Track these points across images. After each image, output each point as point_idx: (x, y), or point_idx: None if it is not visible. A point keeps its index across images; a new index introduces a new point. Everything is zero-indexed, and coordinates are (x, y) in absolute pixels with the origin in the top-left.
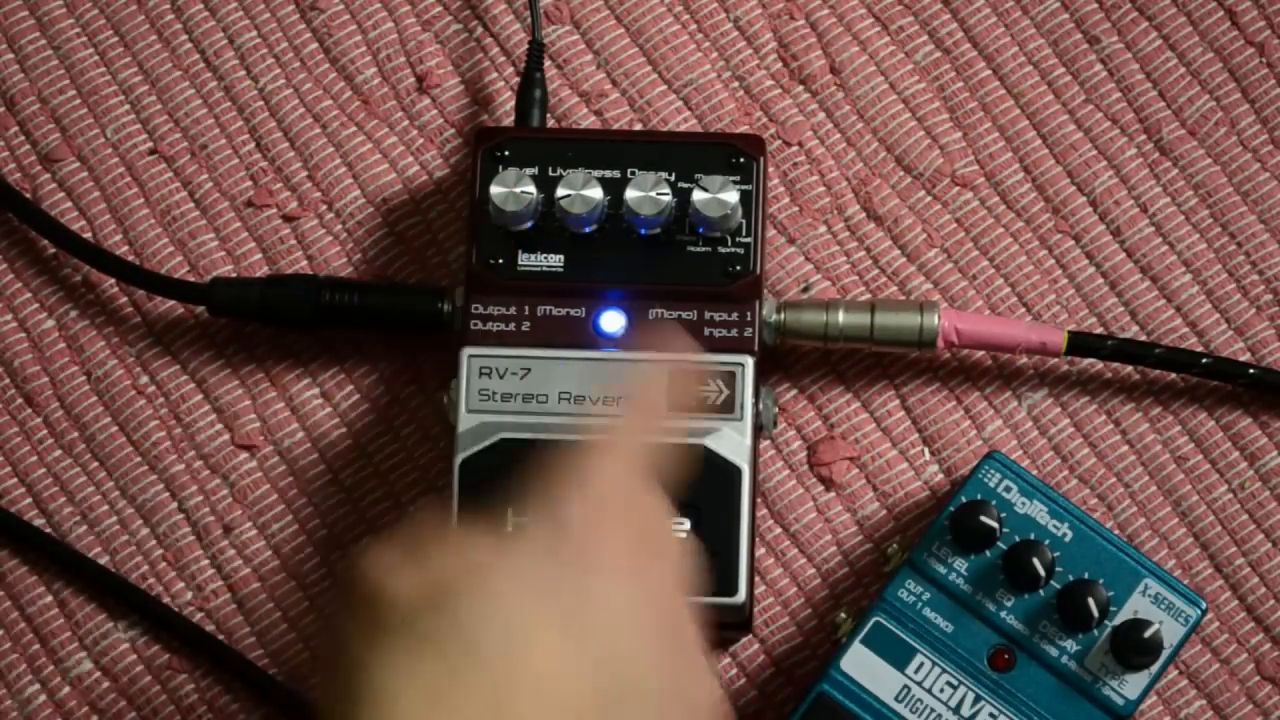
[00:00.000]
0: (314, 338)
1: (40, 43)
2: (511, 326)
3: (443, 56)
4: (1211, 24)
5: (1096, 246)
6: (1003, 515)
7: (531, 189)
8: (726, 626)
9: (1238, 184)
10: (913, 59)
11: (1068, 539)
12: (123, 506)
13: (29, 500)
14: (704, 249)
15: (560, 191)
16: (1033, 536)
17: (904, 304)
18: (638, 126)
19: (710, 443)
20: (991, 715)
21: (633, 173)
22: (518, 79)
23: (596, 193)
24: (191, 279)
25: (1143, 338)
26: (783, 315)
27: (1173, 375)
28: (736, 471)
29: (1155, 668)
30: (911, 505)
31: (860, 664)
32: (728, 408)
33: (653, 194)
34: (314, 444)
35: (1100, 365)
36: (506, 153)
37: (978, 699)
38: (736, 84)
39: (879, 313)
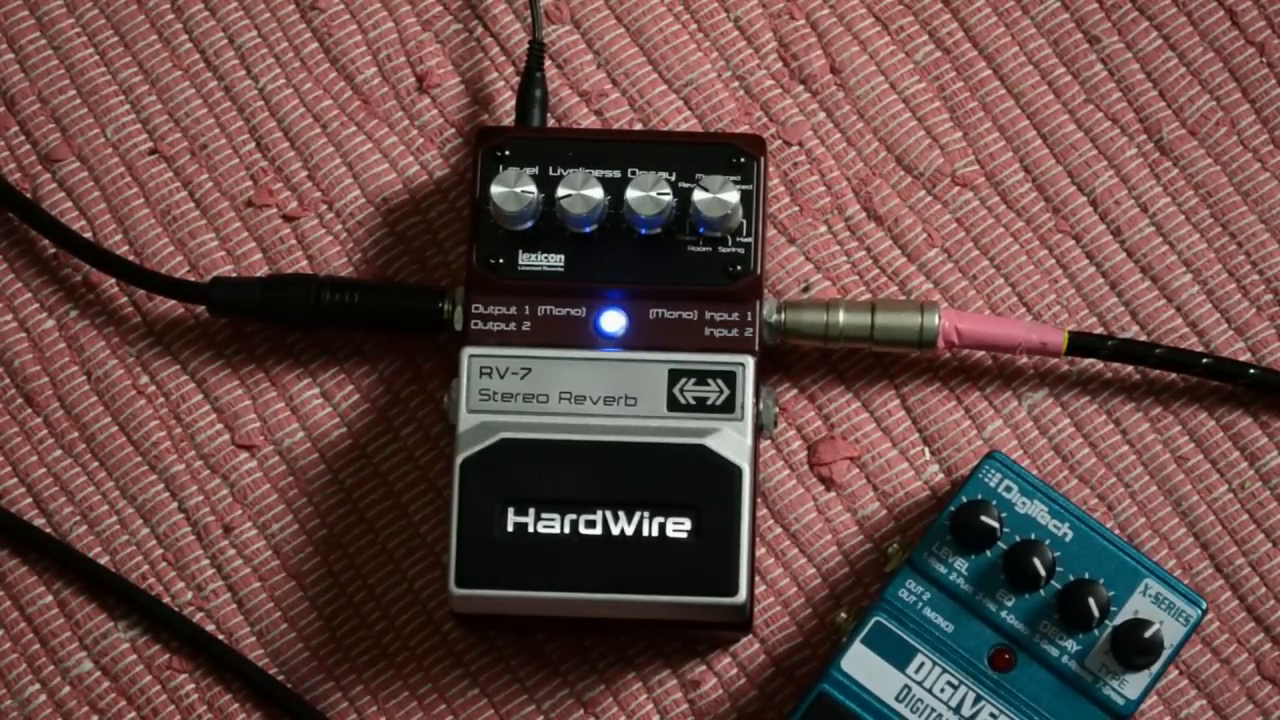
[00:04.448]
0: (314, 338)
1: (40, 43)
2: (512, 326)
3: (443, 56)
4: (1211, 24)
5: (1097, 246)
6: (1003, 515)
7: (532, 189)
8: (726, 626)
9: (1238, 184)
10: (913, 59)
11: (1068, 539)
12: (123, 506)
13: (29, 500)
14: (704, 249)
15: (561, 191)
16: (1033, 536)
17: (904, 304)
18: (638, 126)
19: (710, 443)
20: (992, 715)
21: (633, 173)
22: (518, 79)
23: (597, 193)
24: (191, 279)
25: (1143, 338)
26: (783, 315)
27: (1173, 375)
28: (736, 471)
29: (1155, 668)
30: (912, 505)
31: (861, 664)
32: (728, 408)
33: (653, 194)
34: (314, 444)
35: (1100, 365)
36: (507, 152)
37: (978, 699)
38: (737, 84)
39: (879, 313)
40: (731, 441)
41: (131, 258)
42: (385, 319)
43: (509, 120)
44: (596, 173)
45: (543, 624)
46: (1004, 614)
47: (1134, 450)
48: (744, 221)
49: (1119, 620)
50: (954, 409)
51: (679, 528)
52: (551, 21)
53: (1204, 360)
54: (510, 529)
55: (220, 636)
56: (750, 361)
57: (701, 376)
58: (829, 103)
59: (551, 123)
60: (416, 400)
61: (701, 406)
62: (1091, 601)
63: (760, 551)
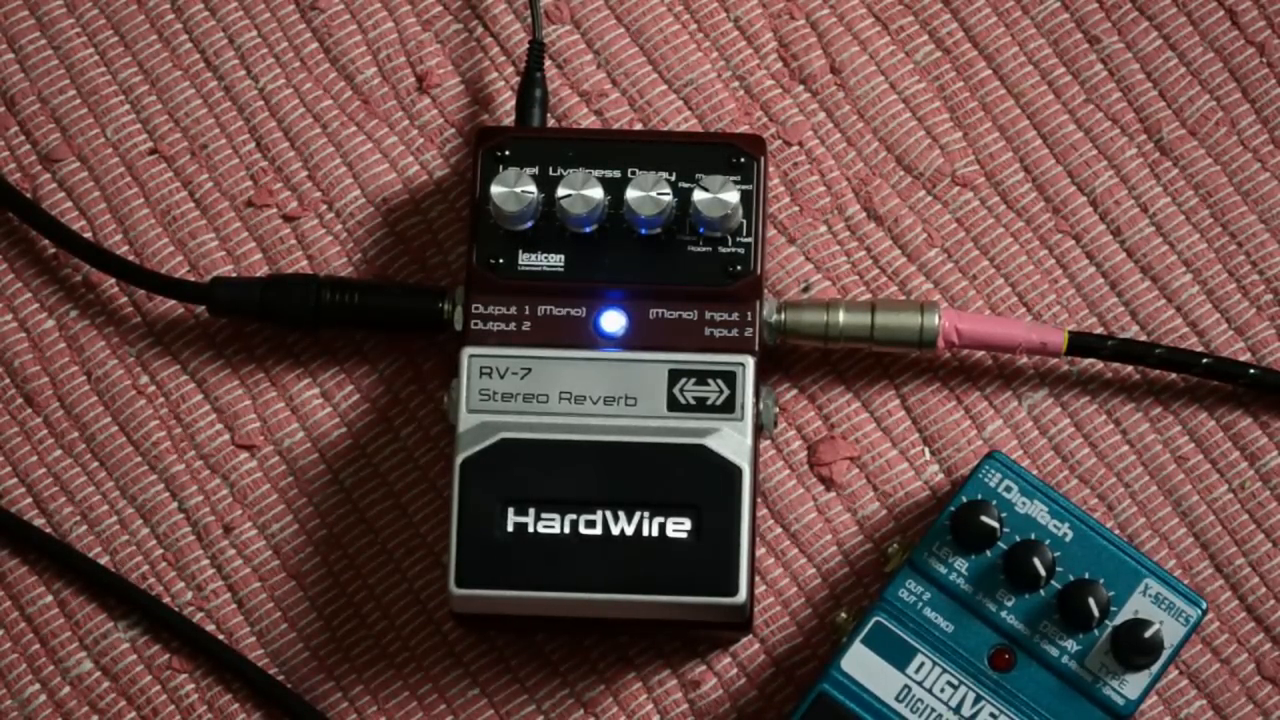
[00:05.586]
0: (314, 338)
1: (40, 43)
2: (512, 326)
3: (443, 56)
4: (1211, 24)
5: (1096, 246)
6: (1003, 515)
7: (532, 189)
8: (726, 626)
9: (1238, 184)
10: (913, 59)
11: (1068, 539)
12: (123, 506)
13: (29, 500)
14: (704, 249)
15: (561, 191)
16: (1033, 536)
17: (904, 304)
18: (638, 126)
19: (710, 443)
20: (992, 715)
21: (633, 172)
22: (518, 79)
23: (597, 192)
24: (191, 279)
25: (1143, 338)
26: (783, 315)
27: (1173, 375)
28: (736, 471)
29: (1155, 668)
30: (912, 505)
31: (861, 664)
32: (728, 408)
33: (653, 194)
34: (314, 444)
35: (1100, 365)
36: (507, 152)
37: (978, 699)
38: (737, 84)
39: (879, 313)
40: (731, 441)
41: (131, 258)
42: (385, 319)
43: (509, 120)
44: (596, 173)
45: (543, 624)
46: (1004, 614)
47: (1134, 450)
48: (744, 221)
49: (1119, 620)
50: (954, 409)
51: (679, 528)
52: (551, 21)
53: (1204, 360)
54: (510, 529)
55: (220, 636)
56: (750, 361)
57: (701, 376)
58: (829, 103)
59: (551, 123)
60: (416, 400)
61: (701, 406)
62: (1091, 601)
63: (760, 551)
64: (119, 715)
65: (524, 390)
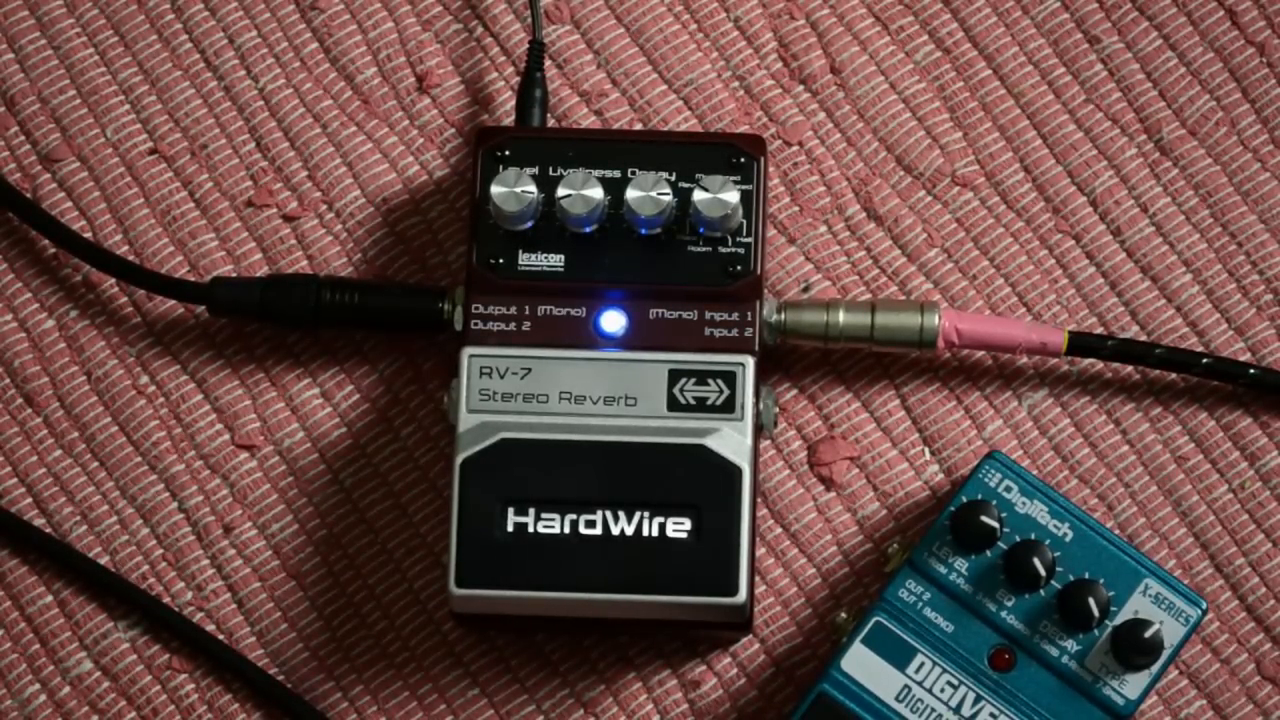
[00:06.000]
0: (314, 338)
1: (40, 43)
2: (512, 326)
3: (443, 56)
4: (1211, 24)
5: (1096, 246)
6: (1003, 515)
7: (532, 189)
8: (726, 626)
9: (1238, 184)
10: (913, 59)
11: (1068, 539)
12: (123, 506)
13: (29, 500)
14: (704, 249)
15: (561, 191)
16: (1033, 536)
17: (904, 304)
18: (638, 126)
19: (710, 443)
20: (992, 715)
21: (633, 172)
22: (518, 79)
23: (597, 192)
24: (191, 279)
25: (1143, 338)
26: (783, 315)
27: (1173, 375)
28: (736, 471)
29: (1155, 668)
30: (912, 505)
31: (861, 664)
32: (728, 408)
33: (653, 194)
34: (314, 444)
35: (1100, 365)
36: (507, 152)
37: (978, 699)
38: (737, 84)
39: (879, 313)
40: (731, 441)
41: (131, 258)
42: (385, 319)
43: (509, 120)
44: (596, 173)
45: (543, 624)
46: (1004, 614)
47: (1134, 450)
48: (744, 221)
49: (1119, 620)
50: (954, 409)
51: (679, 528)
52: (551, 21)
53: (1204, 360)
54: (510, 529)
55: (220, 636)
56: (750, 361)
57: (701, 376)
58: (829, 103)
59: (551, 123)
60: (416, 400)
61: (701, 406)
62: (1091, 601)
63: (760, 551)
64: (119, 715)
65: (524, 390)
